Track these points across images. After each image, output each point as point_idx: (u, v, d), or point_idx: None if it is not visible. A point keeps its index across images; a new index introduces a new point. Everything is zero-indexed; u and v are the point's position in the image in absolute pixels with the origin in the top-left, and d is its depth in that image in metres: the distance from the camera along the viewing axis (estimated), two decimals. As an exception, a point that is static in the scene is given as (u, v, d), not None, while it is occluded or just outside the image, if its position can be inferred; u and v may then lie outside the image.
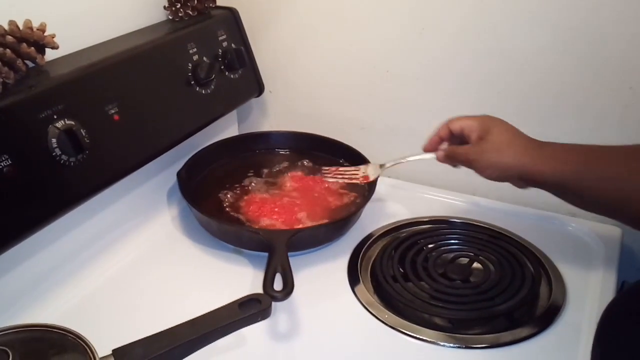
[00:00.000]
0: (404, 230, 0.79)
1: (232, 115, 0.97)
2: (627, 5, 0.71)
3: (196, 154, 0.85)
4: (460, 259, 0.73)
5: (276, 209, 0.78)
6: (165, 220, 0.81)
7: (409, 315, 0.65)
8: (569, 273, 0.71)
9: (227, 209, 0.79)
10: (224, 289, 0.65)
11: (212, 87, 0.83)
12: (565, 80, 0.78)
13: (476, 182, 0.84)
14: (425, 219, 0.81)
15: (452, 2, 0.80)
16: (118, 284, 0.70)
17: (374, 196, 0.78)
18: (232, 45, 0.87)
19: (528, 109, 0.82)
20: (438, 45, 0.83)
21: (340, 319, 0.65)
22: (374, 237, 0.78)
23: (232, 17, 0.89)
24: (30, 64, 0.64)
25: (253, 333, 0.59)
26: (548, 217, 0.81)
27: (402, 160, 0.76)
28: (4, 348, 0.46)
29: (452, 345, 0.61)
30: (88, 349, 0.48)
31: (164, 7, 0.85)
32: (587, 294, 0.68)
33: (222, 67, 0.85)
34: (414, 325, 0.63)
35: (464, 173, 0.83)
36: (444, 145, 0.70)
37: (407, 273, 0.70)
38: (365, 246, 0.76)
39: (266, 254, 0.67)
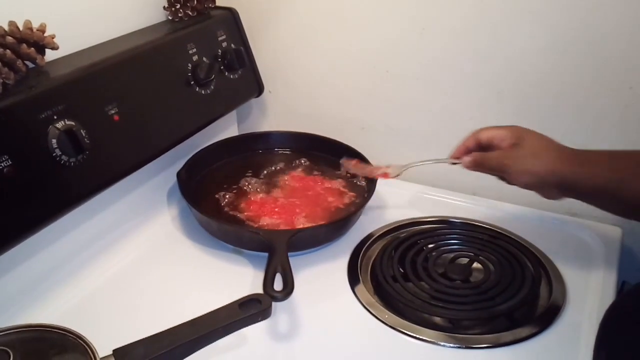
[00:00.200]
0: (404, 230, 0.79)
1: (232, 115, 0.97)
2: (627, 5, 0.71)
3: (196, 154, 0.85)
4: (461, 259, 0.73)
5: (276, 209, 0.78)
6: (165, 221, 0.81)
7: (409, 315, 0.65)
8: (569, 273, 0.71)
9: (227, 209, 0.79)
10: (224, 289, 0.65)
11: (212, 87, 0.83)
12: (565, 80, 0.78)
13: (476, 182, 0.85)
14: (425, 219, 0.81)
15: (452, 2, 0.80)
16: (118, 284, 0.70)
17: (373, 196, 0.78)
18: (232, 45, 0.87)
19: (528, 109, 0.82)
20: (438, 45, 0.84)
21: (341, 319, 0.65)
22: (374, 237, 0.78)
23: (231, 18, 0.89)
24: (30, 65, 0.64)
25: (253, 333, 0.59)
26: (548, 217, 0.81)
27: (426, 162, 0.74)
28: (4, 348, 0.46)
29: (452, 345, 0.61)
30: (88, 349, 0.48)
31: (164, 8, 0.85)
32: (587, 294, 0.68)
33: (222, 67, 0.85)
34: (414, 325, 0.63)
35: (464, 173, 0.83)
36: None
37: (407, 273, 0.70)
38: (366, 246, 0.76)
39: (266, 254, 0.67)
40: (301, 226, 0.75)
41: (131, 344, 0.50)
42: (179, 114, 0.78)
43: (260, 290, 0.59)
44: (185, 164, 0.82)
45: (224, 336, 0.53)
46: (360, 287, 0.69)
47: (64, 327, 0.50)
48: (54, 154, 0.60)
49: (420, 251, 0.74)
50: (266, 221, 0.76)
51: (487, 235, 0.77)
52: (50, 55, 0.66)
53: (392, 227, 0.80)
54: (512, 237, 0.77)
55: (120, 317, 0.65)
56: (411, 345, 0.62)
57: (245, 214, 0.78)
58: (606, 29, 0.73)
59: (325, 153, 0.91)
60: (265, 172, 0.87)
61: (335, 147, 0.89)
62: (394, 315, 0.65)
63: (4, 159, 0.56)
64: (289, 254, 0.66)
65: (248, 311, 0.53)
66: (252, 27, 0.92)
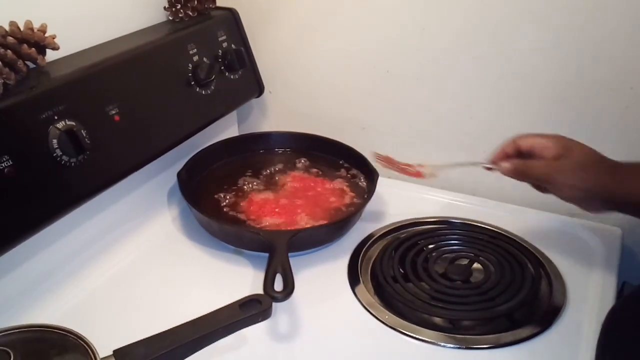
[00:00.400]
0: (404, 230, 0.79)
1: (232, 115, 0.97)
2: (627, 6, 0.71)
3: (196, 154, 0.85)
4: (461, 259, 0.73)
5: (277, 209, 0.79)
6: (165, 221, 0.81)
7: (409, 316, 0.65)
8: (569, 273, 0.71)
9: (227, 210, 0.79)
10: (224, 289, 0.65)
11: (212, 87, 0.83)
12: (566, 81, 0.78)
13: (476, 182, 0.85)
14: (425, 220, 0.81)
15: (452, 2, 0.80)
16: (119, 284, 0.70)
17: (374, 197, 0.78)
18: (232, 45, 0.87)
19: (528, 109, 0.82)
20: (438, 45, 0.84)
21: (341, 320, 0.65)
22: (374, 238, 0.78)
23: (232, 18, 0.89)
24: (31, 65, 0.64)
25: (254, 333, 0.59)
26: (548, 218, 0.81)
27: (463, 164, 0.72)
28: (5, 348, 0.46)
29: (452, 345, 0.61)
30: (89, 350, 0.48)
31: (164, 8, 0.85)
32: (588, 295, 0.68)
33: (222, 67, 0.85)
34: (414, 325, 0.63)
35: (463, 173, 0.83)
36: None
37: (408, 273, 0.70)
38: (366, 246, 0.76)
39: (266, 255, 0.67)
40: (301, 226, 0.75)
41: (132, 344, 0.50)
42: (179, 114, 0.78)
43: (260, 291, 0.60)
44: (186, 164, 0.82)
45: (225, 336, 0.53)
46: (361, 288, 0.69)
47: (64, 328, 0.49)
48: (54, 154, 0.60)
49: (421, 252, 0.74)
50: (266, 221, 0.76)
51: (487, 236, 0.77)
52: (51, 55, 0.66)
53: (392, 227, 0.80)
54: (512, 237, 0.77)
55: (121, 317, 0.65)
56: (411, 346, 0.62)
57: (246, 214, 0.78)
58: (607, 30, 0.73)
59: (325, 153, 0.91)
60: (265, 172, 0.88)
61: (335, 147, 0.89)
62: (394, 316, 0.65)
63: (4, 159, 0.56)
64: (289, 254, 0.66)
65: (248, 311, 0.53)
66: (253, 27, 0.92)
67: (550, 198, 0.68)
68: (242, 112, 1.01)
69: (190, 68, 0.79)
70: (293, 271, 0.64)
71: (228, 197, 0.82)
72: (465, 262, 0.73)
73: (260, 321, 0.54)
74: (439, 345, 0.61)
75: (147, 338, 0.50)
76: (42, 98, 0.60)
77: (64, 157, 0.61)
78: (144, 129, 0.72)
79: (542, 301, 0.67)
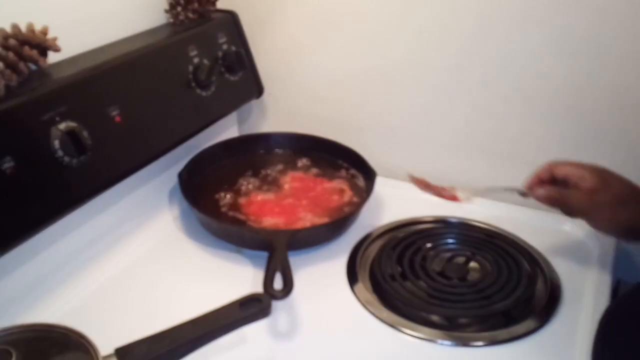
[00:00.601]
0: (402, 229, 0.80)
1: (232, 116, 0.98)
2: (626, 7, 0.71)
3: (197, 155, 0.86)
4: (458, 258, 0.74)
5: (276, 209, 0.79)
6: (166, 221, 0.82)
7: (407, 314, 0.65)
8: (565, 272, 0.72)
9: (227, 209, 0.80)
10: (224, 288, 0.65)
11: (213, 89, 0.83)
12: (564, 83, 0.78)
13: (473, 182, 0.85)
14: (423, 219, 0.82)
15: (450, 5, 0.81)
16: (120, 284, 0.70)
17: (372, 196, 0.79)
18: (232, 47, 0.88)
19: (526, 111, 0.82)
20: (436, 47, 0.84)
21: (339, 318, 0.66)
22: (372, 237, 0.78)
23: (232, 20, 0.89)
24: (33, 67, 0.65)
25: (253, 331, 0.60)
26: (544, 217, 0.82)
27: (497, 189, 0.72)
28: (6, 348, 0.46)
29: (449, 343, 0.62)
30: (91, 348, 0.48)
31: (165, 11, 0.85)
32: (583, 292, 0.69)
33: (222, 69, 0.86)
34: (412, 323, 0.64)
35: (461, 172, 0.84)
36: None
37: (405, 272, 0.71)
38: (364, 245, 0.77)
39: (266, 254, 0.68)
40: (301, 226, 0.76)
41: (133, 342, 0.50)
42: (180, 115, 0.78)
43: (260, 289, 0.60)
44: (187, 164, 0.83)
45: (225, 335, 0.53)
46: (359, 286, 0.70)
47: (66, 327, 0.50)
48: (56, 155, 0.61)
49: (418, 250, 0.75)
50: (266, 221, 0.77)
51: (484, 235, 0.77)
52: (52, 57, 0.67)
53: (390, 226, 0.81)
54: (508, 236, 0.78)
55: (122, 316, 0.65)
56: (409, 343, 0.62)
57: (246, 214, 0.79)
58: (604, 31, 0.74)
59: (324, 154, 0.91)
60: (265, 172, 0.88)
61: (334, 147, 0.90)
62: (392, 314, 0.65)
63: (6, 159, 0.56)
64: (289, 253, 0.67)
65: (248, 310, 0.53)
66: (252, 29, 0.92)
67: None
68: (242, 113, 1.01)
69: (190, 70, 0.80)
70: (292, 270, 0.64)
71: (228, 197, 0.82)
72: (462, 260, 0.73)
73: (260, 319, 0.54)
74: (436, 342, 0.62)
75: (148, 337, 0.50)
76: (44, 99, 0.61)
77: (66, 158, 0.61)
78: (145, 130, 0.73)
79: (538, 299, 0.68)
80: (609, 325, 0.53)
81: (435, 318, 0.65)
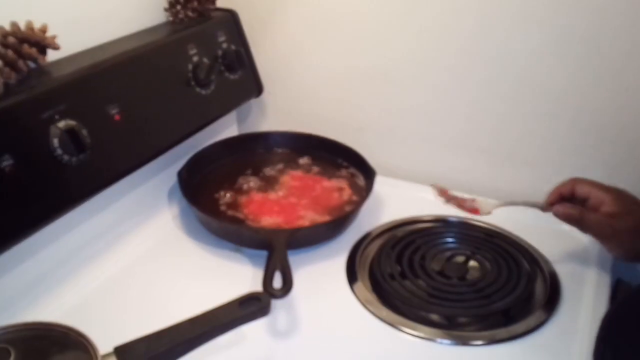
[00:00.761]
0: (402, 228, 0.80)
1: (232, 115, 0.98)
2: (626, 7, 0.71)
3: (196, 153, 0.86)
4: (457, 257, 0.74)
5: (276, 208, 0.79)
6: (166, 219, 0.82)
7: (406, 313, 0.65)
8: (564, 271, 0.72)
9: (227, 208, 0.80)
10: (224, 287, 0.65)
11: (212, 87, 0.83)
12: (563, 83, 0.78)
13: (473, 181, 0.85)
14: (422, 218, 0.82)
15: (451, 5, 0.80)
16: (119, 283, 0.70)
17: (372, 196, 0.79)
18: (232, 46, 0.88)
19: (526, 111, 0.82)
20: (436, 47, 0.84)
21: (339, 317, 0.66)
22: (372, 236, 0.78)
23: (231, 19, 0.89)
24: (32, 65, 0.65)
25: (252, 330, 0.59)
26: (543, 216, 0.81)
27: (517, 204, 0.72)
28: (5, 346, 0.46)
29: (448, 342, 0.62)
30: (90, 347, 0.48)
31: (164, 9, 0.85)
32: (582, 292, 0.68)
33: (222, 68, 0.86)
34: (411, 322, 0.64)
35: (461, 172, 0.84)
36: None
37: (405, 271, 0.71)
38: (364, 244, 0.76)
39: (266, 252, 0.68)
40: (300, 225, 0.76)
41: (132, 341, 0.50)
42: (179, 114, 0.78)
43: (259, 288, 0.60)
44: (186, 163, 0.83)
45: (224, 333, 0.53)
46: (358, 285, 0.70)
47: (65, 325, 0.50)
48: (55, 154, 0.61)
49: (418, 249, 0.74)
50: (266, 220, 0.77)
51: (483, 234, 0.77)
52: (51, 55, 0.67)
53: (390, 226, 0.80)
54: (508, 235, 0.78)
55: (121, 315, 0.65)
56: (408, 342, 0.62)
57: (245, 212, 0.79)
58: (603, 32, 0.74)
59: (324, 152, 0.91)
60: (264, 171, 0.88)
61: (334, 146, 0.90)
62: (391, 312, 0.65)
63: (5, 158, 0.56)
64: (288, 252, 0.67)
65: (248, 309, 0.53)
66: (252, 28, 0.92)
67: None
68: (242, 112, 1.01)
69: (190, 68, 0.80)
70: (292, 269, 0.64)
71: (228, 195, 0.82)
72: (461, 259, 0.73)
73: (259, 318, 0.54)
74: (436, 341, 0.62)
75: (147, 335, 0.50)
76: (43, 97, 0.61)
77: (65, 156, 0.61)
78: (144, 129, 0.73)
79: (537, 298, 0.68)
80: (611, 325, 0.53)
81: (434, 317, 0.65)
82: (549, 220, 0.79)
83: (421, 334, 0.63)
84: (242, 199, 0.82)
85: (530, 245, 0.76)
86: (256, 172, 0.88)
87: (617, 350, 0.51)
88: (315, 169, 0.89)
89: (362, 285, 0.70)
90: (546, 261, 0.73)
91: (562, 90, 0.79)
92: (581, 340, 0.62)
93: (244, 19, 0.91)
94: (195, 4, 0.86)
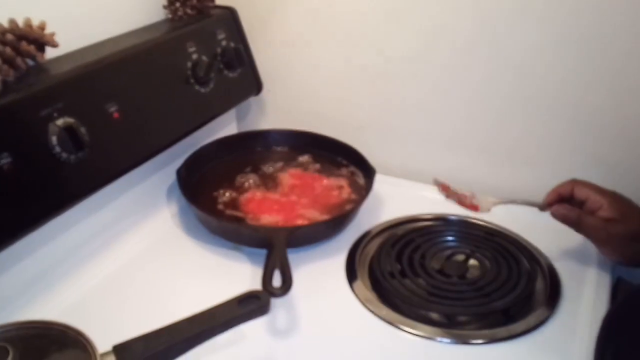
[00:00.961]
0: (401, 227, 0.80)
1: (231, 113, 0.97)
2: (627, 5, 0.71)
3: (195, 151, 0.85)
4: (457, 255, 0.74)
5: (275, 206, 0.79)
6: (164, 218, 0.81)
7: (406, 311, 0.65)
8: (564, 269, 0.71)
9: (226, 207, 0.79)
10: (223, 285, 0.65)
11: (211, 85, 0.83)
12: (564, 80, 0.78)
13: (472, 180, 0.85)
14: (422, 217, 0.82)
15: (451, 2, 0.80)
16: (118, 281, 0.70)
17: (371, 194, 0.79)
18: (231, 44, 0.87)
19: (526, 108, 0.82)
20: (436, 45, 0.84)
21: (338, 315, 0.66)
22: (371, 234, 0.78)
23: (231, 17, 0.89)
24: (30, 62, 0.64)
25: (252, 329, 0.59)
26: (543, 214, 0.81)
27: (516, 203, 0.73)
28: (4, 345, 0.45)
29: (448, 340, 0.62)
30: (88, 345, 0.48)
31: (163, 6, 0.85)
32: (583, 290, 0.68)
33: (221, 65, 0.85)
34: (411, 321, 0.64)
35: (460, 170, 0.84)
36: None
37: (405, 269, 0.71)
38: (363, 243, 0.76)
39: (265, 251, 0.68)
40: (300, 223, 0.76)
41: (131, 340, 0.50)
42: (178, 111, 0.78)
43: (259, 287, 0.60)
44: (185, 161, 0.83)
45: (223, 332, 0.53)
46: (358, 284, 0.70)
47: (63, 324, 0.49)
48: (53, 151, 0.60)
49: (418, 248, 0.74)
50: (265, 218, 0.77)
51: (483, 233, 0.77)
52: (50, 53, 0.67)
53: (389, 224, 0.80)
54: (508, 234, 0.78)
55: (120, 313, 0.65)
56: (408, 341, 0.62)
57: (244, 211, 0.78)
58: (607, 32, 0.73)
59: (323, 151, 0.91)
60: (264, 169, 0.88)
61: (333, 145, 0.90)
62: (391, 311, 0.65)
63: (4, 155, 0.56)
64: (288, 250, 0.67)
65: (247, 307, 0.53)
66: (251, 26, 0.92)
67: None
68: (241, 110, 1.01)
69: (189, 66, 0.79)
70: (291, 267, 0.64)
71: (227, 194, 0.82)
72: (461, 258, 0.73)
73: (258, 317, 0.54)
74: (435, 340, 0.62)
75: (146, 334, 0.50)
76: (42, 95, 0.61)
77: (63, 154, 0.61)
78: (143, 127, 0.72)
79: (537, 297, 0.68)
80: (611, 325, 0.53)
81: (434, 316, 0.65)
82: (549, 218, 0.79)
83: (421, 333, 0.63)
84: (241, 197, 0.81)
85: (530, 244, 0.76)
86: (255, 171, 0.87)
87: (618, 349, 0.51)
88: (315, 167, 0.89)
89: (362, 284, 0.69)
90: (546, 260, 0.73)
91: (562, 88, 0.79)
92: (581, 340, 0.61)
93: (244, 17, 0.90)
94: (195, 1, 0.86)
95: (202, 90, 0.82)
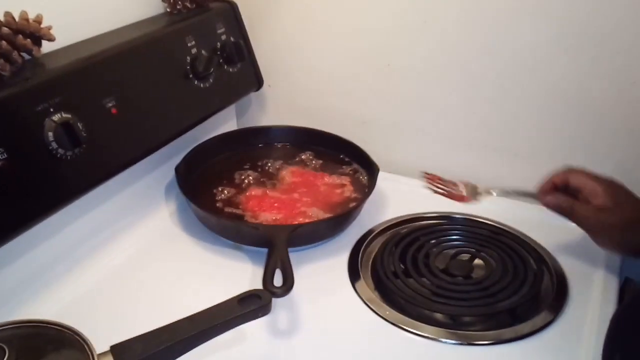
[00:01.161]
0: (405, 226, 0.79)
1: (231, 109, 0.97)
2: (631, 0, 0.70)
3: (194, 148, 0.84)
4: (462, 255, 0.73)
5: (276, 204, 0.78)
6: (163, 215, 0.81)
7: (410, 312, 0.64)
8: (572, 269, 0.71)
9: (225, 204, 0.78)
10: (223, 284, 0.65)
11: (211, 80, 0.82)
12: (568, 76, 0.78)
13: (477, 178, 0.84)
14: (426, 215, 0.81)
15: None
16: (116, 280, 0.69)
17: (374, 192, 0.78)
18: (231, 38, 0.86)
19: (530, 104, 0.82)
20: (440, 39, 0.83)
21: (341, 315, 0.65)
22: (374, 233, 0.77)
23: (230, 11, 0.88)
24: (27, 56, 0.64)
25: (253, 329, 0.59)
26: (549, 213, 0.80)
27: (508, 192, 0.72)
28: (0, 344, 0.45)
29: (453, 341, 0.61)
30: (86, 345, 0.47)
31: (162, 0, 0.84)
32: (590, 291, 0.68)
33: (221, 60, 0.84)
34: (415, 321, 0.63)
35: (466, 168, 0.83)
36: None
37: (408, 269, 0.70)
38: (366, 242, 0.75)
39: (266, 250, 0.67)
40: (301, 221, 0.75)
41: (129, 340, 0.49)
42: (177, 107, 0.77)
43: (259, 286, 0.59)
44: (184, 158, 0.82)
45: (223, 332, 0.52)
46: (361, 283, 0.69)
47: (61, 323, 0.49)
48: (50, 147, 0.60)
49: (422, 247, 0.73)
50: (266, 216, 0.76)
51: (489, 232, 0.76)
52: (46, 46, 0.66)
53: (392, 222, 0.79)
54: (514, 233, 0.77)
55: (118, 312, 0.64)
56: (412, 342, 0.61)
57: (244, 209, 0.78)
58: (609, 25, 0.73)
59: (325, 147, 0.90)
60: (264, 166, 0.87)
61: (336, 141, 0.89)
62: (394, 312, 0.64)
63: (-1, 152, 0.55)
64: (289, 249, 0.66)
65: (248, 307, 0.52)
66: (252, 20, 0.91)
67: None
68: (241, 105, 1.00)
69: (188, 61, 0.78)
70: (292, 266, 0.63)
71: (226, 191, 0.81)
72: (466, 257, 0.72)
73: (259, 317, 0.53)
74: (440, 341, 0.61)
75: (144, 334, 0.50)
76: (38, 90, 0.60)
77: (60, 150, 0.60)
78: (141, 122, 0.72)
79: (544, 297, 0.67)
80: (619, 325, 0.52)
81: (439, 316, 0.64)
82: (556, 217, 0.78)
83: (425, 334, 0.62)
84: (241, 195, 0.80)
85: (536, 243, 0.75)
86: (256, 168, 0.87)
87: (627, 350, 0.50)
88: (317, 164, 0.88)
89: (365, 284, 0.69)
90: (553, 259, 0.72)
91: (569, 84, 0.78)
92: (588, 340, 0.61)
93: (244, 10, 0.90)
94: (194, -5, 0.85)
95: (202, 85, 0.81)
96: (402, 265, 0.71)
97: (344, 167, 0.87)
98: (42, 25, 0.64)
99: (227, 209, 0.78)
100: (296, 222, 0.74)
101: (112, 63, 0.68)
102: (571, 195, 0.66)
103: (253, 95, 0.97)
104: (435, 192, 0.74)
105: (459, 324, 0.64)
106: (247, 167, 0.86)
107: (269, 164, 0.87)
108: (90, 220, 0.70)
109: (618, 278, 0.70)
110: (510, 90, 0.82)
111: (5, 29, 0.60)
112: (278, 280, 0.61)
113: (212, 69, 0.81)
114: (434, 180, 0.75)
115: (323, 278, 0.70)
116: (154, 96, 0.74)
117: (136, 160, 0.71)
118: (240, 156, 0.89)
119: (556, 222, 0.78)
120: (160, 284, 0.69)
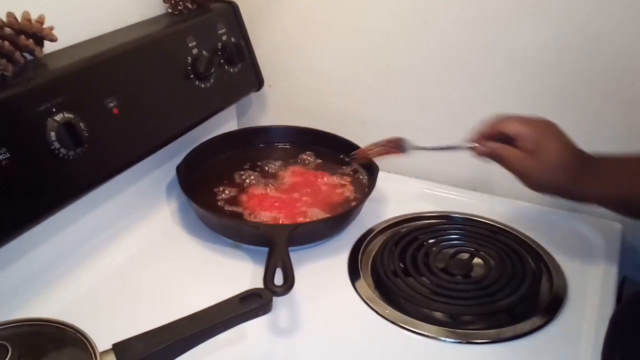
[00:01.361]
0: (405, 225, 0.79)
1: (232, 109, 0.97)
2: (631, 0, 0.71)
3: (195, 148, 0.85)
4: (461, 254, 0.73)
5: (276, 204, 0.78)
6: (164, 215, 0.81)
7: (409, 310, 0.64)
8: (570, 268, 0.71)
9: (226, 204, 0.79)
10: (224, 283, 0.64)
11: (212, 81, 0.82)
12: (568, 75, 0.78)
13: (476, 177, 0.84)
14: (426, 214, 0.81)
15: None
16: (117, 279, 0.69)
17: (374, 191, 0.78)
18: (232, 39, 0.87)
19: (530, 103, 0.81)
20: (440, 39, 0.83)
21: (341, 314, 0.65)
22: (374, 232, 0.77)
23: (231, 11, 0.88)
24: (29, 57, 0.64)
25: (253, 328, 0.59)
26: (548, 212, 0.81)
27: (434, 148, 0.72)
28: (3, 343, 0.45)
29: (453, 340, 0.61)
30: (88, 344, 0.47)
31: (163, 0, 0.84)
32: (588, 289, 0.68)
33: (222, 61, 0.85)
34: (415, 320, 0.63)
35: (465, 167, 0.83)
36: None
37: (408, 268, 0.70)
38: (366, 241, 0.76)
39: (266, 249, 0.67)
40: (301, 221, 0.75)
41: (131, 338, 0.49)
42: (178, 107, 0.77)
43: (260, 285, 0.59)
44: (185, 158, 0.82)
45: (224, 331, 0.52)
46: (361, 282, 0.69)
47: (63, 322, 0.49)
48: (52, 147, 0.60)
49: (421, 246, 0.74)
50: (266, 216, 0.76)
51: (488, 231, 0.77)
52: (49, 47, 0.66)
53: (392, 222, 0.80)
54: (513, 232, 0.77)
55: (120, 311, 0.64)
56: (412, 340, 0.62)
57: (245, 208, 0.78)
58: (608, 24, 0.73)
59: (325, 147, 0.90)
60: (265, 166, 0.87)
61: (336, 141, 0.89)
62: (394, 310, 0.64)
63: (1, 151, 0.55)
64: (289, 248, 0.66)
65: (248, 306, 0.52)
66: (252, 20, 0.91)
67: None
68: (242, 105, 1.00)
69: (189, 61, 0.79)
70: (293, 265, 0.63)
71: (227, 191, 0.81)
72: (465, 256, 0.72)
73: (260, 315, 0.53)
74: (440, 339, 0.61)
75: (146, 332, 0.50)
76: (40, 90, 0.60)
77: (62, 150, 0.60)
78: (143, 122, 0.72)
79: (543, 296, 0.67)
80: (618, 325, 0.52)
81: (438, 315, 0.65)
82: (555, 216, 0.78)
83: (424, 332, 0.62)
84: (242, 194, 0.81)
85: (535, 243, 0.75)
86: (256, 167, 0.87)
87: (626, 350, 0.50)
88: (317, 164, 0.88)
89: (365, 283, 0.69)
90: (552, 259, 0.73)
91: (568, 83, 0.78)
92: (587, 339, 0.61)
93: (244, 11, 0.90)
94: (195, -5, 0.85)
95: (202, 85, 0.81)
96: (401, 265, 0.71)
97: (344, 167, 0.87)
98: (44, 26, 0.64)
99: (228, 208, 0.78)
100: (296, 222, 0.74)
101: (114, 63, 0.68)
102: (507, 142, 0.65)
103: (253, 95, 0.97)
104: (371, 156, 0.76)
105: (459, 323, 0.64)
106: (248, 167, 0.86)
107: (270, 164, 0.87)
108: (91, 219, 0.70)
109: (616, 277, 0.70)
110: (510, 90, 0.82)
111: (7, 30, 0.61)
112: (279, 279, 0.61)
113: (213, 69, 0.81)
114: (365, 152, 0.77)
115: (323, 277, 0.70)
116: (155, 96, 0.74)
117: (137, 160, 0.71)
118: (241, 156, 0.89)
119: (554, 221, 0.79)
120: (162, 283, 0.69)
